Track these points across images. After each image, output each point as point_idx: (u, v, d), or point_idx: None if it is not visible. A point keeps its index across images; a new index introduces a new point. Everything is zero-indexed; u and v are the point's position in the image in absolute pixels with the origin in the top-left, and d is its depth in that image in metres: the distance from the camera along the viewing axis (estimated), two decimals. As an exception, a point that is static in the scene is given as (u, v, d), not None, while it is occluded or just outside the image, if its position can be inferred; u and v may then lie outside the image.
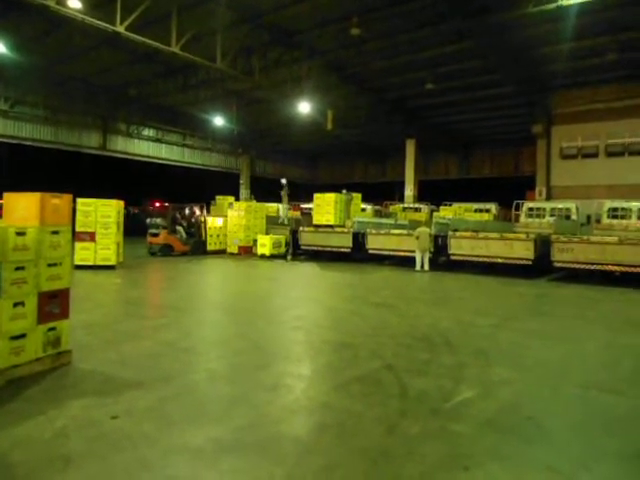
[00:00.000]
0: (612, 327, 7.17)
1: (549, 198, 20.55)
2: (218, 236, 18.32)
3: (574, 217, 16.54)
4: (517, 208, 18.09)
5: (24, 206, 4.54)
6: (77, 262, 11.74)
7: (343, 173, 37.32)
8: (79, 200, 12.14)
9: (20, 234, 4.20)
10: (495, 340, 6.08)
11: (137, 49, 16.67)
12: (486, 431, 3.42)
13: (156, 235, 16.41)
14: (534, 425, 3.52)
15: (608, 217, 15.91)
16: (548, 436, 3.39)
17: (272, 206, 21.92)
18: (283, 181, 19.09)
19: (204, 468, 2.87)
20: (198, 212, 17.92)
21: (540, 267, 12.49)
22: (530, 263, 12.33)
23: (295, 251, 16.85)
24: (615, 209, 15.93)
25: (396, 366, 4.80)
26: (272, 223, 18.91)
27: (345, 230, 15.99)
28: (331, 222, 16.50)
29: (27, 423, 3.34)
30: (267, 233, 17.98)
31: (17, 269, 4.16)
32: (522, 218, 17.51)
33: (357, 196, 19.58)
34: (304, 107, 20.17)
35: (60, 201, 4.66)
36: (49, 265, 4.49)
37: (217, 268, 14.68)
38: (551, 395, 4.22)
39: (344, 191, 18.03)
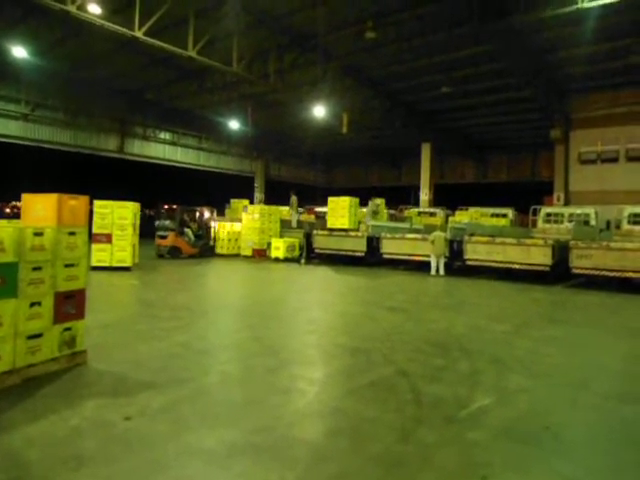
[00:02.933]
0: (632, 335, 7.00)
1: (567, 203, 20.24)
2: (236, 240, 18.44)
3: (593, 223, 16.25)
4: (534, 213, 17.86)
5: (42, 207, 4.60)
6: (94, 263, 11.88)
7: (358, 176, 37.26)
8: (96, 202, 12.29)
9: (38, 234, 4.25)
10: (511, 347, 5.98)
11: (154, 53, 16.88)
12: (503, 440, 3.34)
13: (164, 237, 16.48)
14: (552, 435, 3.43)
15: (628, 223, 15.59)
16: (567, 447, 3.30)
17: (286, 209, 22.00)
18: (294, 198, 20.29)
19: (216, 470, 2.86)
20: (208, 214, 18.00)
21: (558, 273, 12.29)
22: (548, 269, 12.14)
23: (309, 255, 16.84)
24: (636, 215, 15.59)
25: (410, 372, 4.74)
26: (286, 226, 18.97)
27: (359, 234, 15.92)
28: (345, 226, 16.46)
29: (41, 422, 3.35)
30: (281, 236, 18.02)
31: (34, 269, 4.20)
32: (540, 223, 17.27)
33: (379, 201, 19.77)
34: (319, 111, 20.21)
35: (77, 202, 4.70)
36: (66, 265, 4.53)
37: (231, 271, 14.73)
38: (569, 404, 4.12)
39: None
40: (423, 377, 4.59)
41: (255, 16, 14.92)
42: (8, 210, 50.07)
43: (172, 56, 16.12)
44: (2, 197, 49.54)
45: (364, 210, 18.17)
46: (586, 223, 16.39)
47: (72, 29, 15.41)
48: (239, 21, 14.58)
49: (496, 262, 12.88)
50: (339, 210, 16.81)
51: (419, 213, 23.66)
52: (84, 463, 2.85)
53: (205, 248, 17.42)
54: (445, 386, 4.38)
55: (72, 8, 11.81)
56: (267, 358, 5.16)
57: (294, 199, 20.39)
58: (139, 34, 13.15)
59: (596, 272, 11.63)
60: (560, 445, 3.30)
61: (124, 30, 13.01)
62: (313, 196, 33.20)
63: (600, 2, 11.57)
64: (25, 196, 4.76)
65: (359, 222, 17.13)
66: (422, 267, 14.15)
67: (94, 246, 12.05)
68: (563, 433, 3.49)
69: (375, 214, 17.90)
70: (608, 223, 16.37)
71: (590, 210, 16.82)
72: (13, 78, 20.03)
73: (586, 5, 11.70)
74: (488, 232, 14.64)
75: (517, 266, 12.55)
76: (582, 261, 11.75)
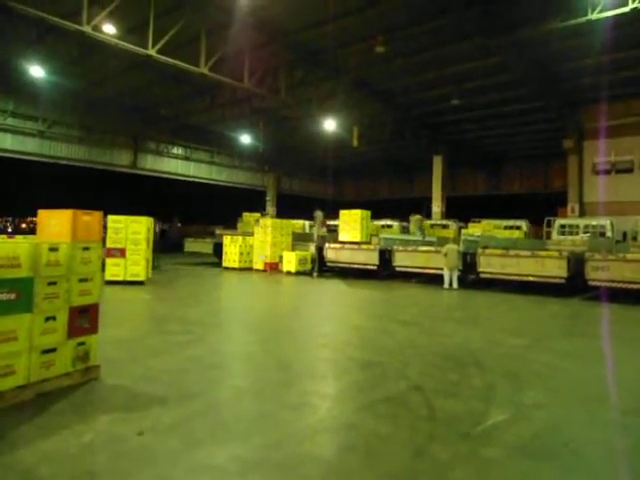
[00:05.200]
0: (652, 349, 6.85)
1: (582, 215, 20.01)
2: (248, 254, 18.39)
3: (609, 234, 16.02)
4: (549, 225, 17.67)
5: (57, 223, 4.67)
6: (108, 278, 11.98)
7: (369, 189, 37.29)
8: (110, 217, 12.42)
9: (53, 250, 4.30)
10: (527, 361, 5.87)
11: (167, 70, 17.17)
12: (520, 457, 3.27)
13: None
14: (571, 452, 3.35)
15: (645, 234, 15.37)
16: (586, 464, 3.22)
17: (298, 223, 22.06)
18: (319, 213, 20.48)
19: (228, 488, 2.83)
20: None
21: (573, 286, 12.10)
22: (563, 281, 11.96)
23: (321, 268, 16.80)
24: (652, 225, 15.39)
25: (424, 386, 4.67)
26: (298, 239, 18.97)
27: (371, 247, 15.86)
28: (357, 239, 16.41)
29: (54, 437, 3.36)
30: (293, 250, 18.01)
31: (49, 284, 4.25)
32: (554, 235, 17.06)
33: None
34: (330, 124, 20.34)
35: (91, 218, 4.76)
36: (80, 280, 4.57)
37: (243, 284, 14.76)
38: (588, 420, 4.02)
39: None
40: (437, 392, 4.53)
41: (266, 33, 15.13)
42: (25, 225, 50.95)
43: (185, 73, 16.36)
44: (19, 213, 50.44)
45: (376, 223, 18.16)
46: (602, 234, 16.16)
47: (87, 48, 15.78)
48: (250, 38, 14.81)
49: (510, 275, 12.73)
50: (351, 223, 16.76)
51: (431, 225, 23.52)
52: (96, 478, 2.84)
53: None
54: (460, 401, 4.30)
55: (87, 28, 12.10)
56: (279, 372, 5.14)
57: (319, 214, 20.47)
58: (152, 52, 13.41)
59: (613, 284, 11.43)
60: (580, 463, 3.22)
61: (138, 49, 13.28)
62: (324, 209, 33.25)
63: (610, 13, 11.54)
64: (41, 212, 4.84)
65: (371, 235, 17.08)
66: (435, 280, 14.03)
67: (108, 260, 12.15)
68: (582, 450, 3.41)
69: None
70: (624, 234, 16.12)
71: (605, 221, 16.59)
72: (30, 96, 20.49)
73: (596, 16, 11.68)
74: (502, 244, 14.48)
75: (532, 278, 12.38)
76: (598, 273, 11.57)
